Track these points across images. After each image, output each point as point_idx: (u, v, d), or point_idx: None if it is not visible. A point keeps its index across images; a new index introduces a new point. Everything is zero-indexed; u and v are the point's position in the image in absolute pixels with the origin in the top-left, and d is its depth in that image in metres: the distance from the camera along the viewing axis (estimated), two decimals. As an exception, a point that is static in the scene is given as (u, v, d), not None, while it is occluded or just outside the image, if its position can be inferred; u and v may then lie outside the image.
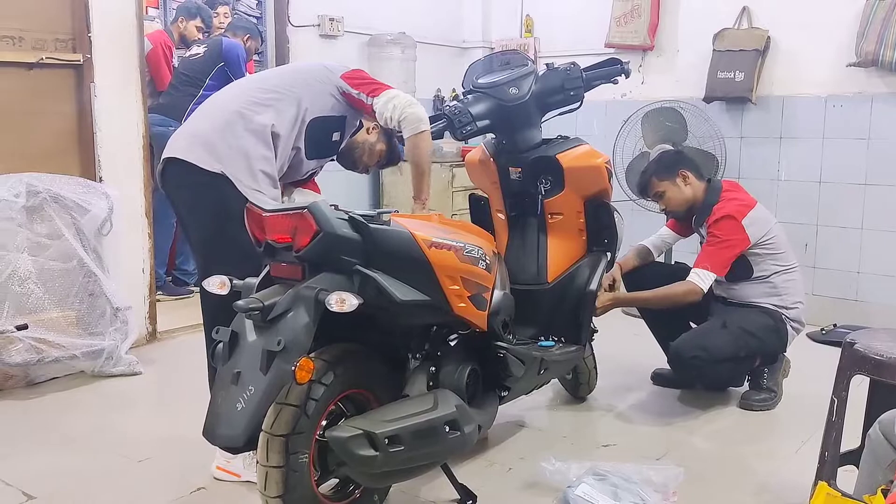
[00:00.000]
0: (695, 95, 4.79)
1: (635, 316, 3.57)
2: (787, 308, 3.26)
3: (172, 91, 4.77)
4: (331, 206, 2.10)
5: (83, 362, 3.33)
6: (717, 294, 3.35)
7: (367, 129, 2.98)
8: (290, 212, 1.95)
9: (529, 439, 2.99)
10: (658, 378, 3.53)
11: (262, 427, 1.98)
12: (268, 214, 1.97)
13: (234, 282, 2.07)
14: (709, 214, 3.24)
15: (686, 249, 3.66)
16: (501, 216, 3.14)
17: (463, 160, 4.86)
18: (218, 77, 4.68)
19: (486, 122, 2.88)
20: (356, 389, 2.18)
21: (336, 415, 2.16)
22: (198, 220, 2.58)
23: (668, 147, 4.38)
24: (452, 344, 2.40)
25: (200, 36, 5.07)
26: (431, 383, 2.31)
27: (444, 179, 4.91)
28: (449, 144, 5.04)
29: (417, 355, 2.31)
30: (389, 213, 2.21)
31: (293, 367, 1.85)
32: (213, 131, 2.54)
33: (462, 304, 2.20)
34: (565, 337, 3.01)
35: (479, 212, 3.24)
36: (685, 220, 3.42)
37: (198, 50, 4.84)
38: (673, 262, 3.61)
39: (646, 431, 3.09)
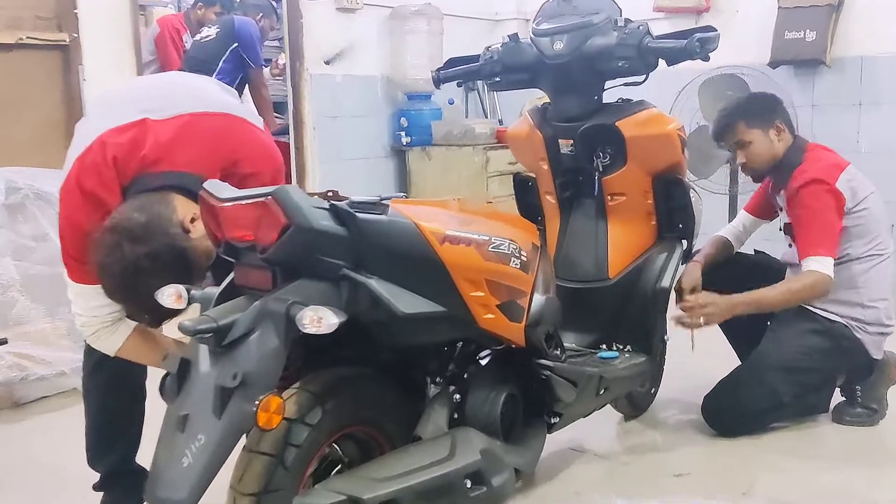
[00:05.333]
0: (759, 60, 4.18)
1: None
2: (863, 306, 2.59)
3: None
4: (316, 193, 1.63)
5: (74, 379, 2.92)
6: None
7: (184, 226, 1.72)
8: (251, 200, 1.47)
9: (586, 468, 2.46)
10: None
11: (230, 482, 1.53)
12: (222, 205, 1.50)
13: (192, 292, 1.61)
14: (788, 179, 2.61)
15: (760, 236, 3.04)
16: (551, 199, 2.61)
17: (498, 142, 4.37)
18: (232, 59, 4.32)
19: (523, 76, 2.44)
20: (358, 426, 1.71)
21: (330, 461, 1.69)
22: None
23: None
24: (484, 362, 1.90)
25: None
26: (456, 415, 1.81)
27: (478, 163, 4.37)
28: (481, 125, 4.52)
29: (438, 379, 1.82)
30: (391, 198, 1.73)
31: (254, 408, 1.39)
32: None
33: (489, 316, 1.69)
34: (632, 345, 2.48)
35: (526, 195, 2.73)
36: (759, 179, 2.79)
37: (209, 32, 4.49)
38: (753, 252, 3.00)
39: (726, 455, 2.53)
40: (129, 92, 1.99)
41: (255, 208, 1.46)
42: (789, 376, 2.59)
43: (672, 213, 2.51)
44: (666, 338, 2.77)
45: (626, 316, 2.47)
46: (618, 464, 2.50)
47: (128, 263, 1.63)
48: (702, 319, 2.47)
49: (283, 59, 4.65)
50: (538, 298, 1.82)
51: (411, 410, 1.78)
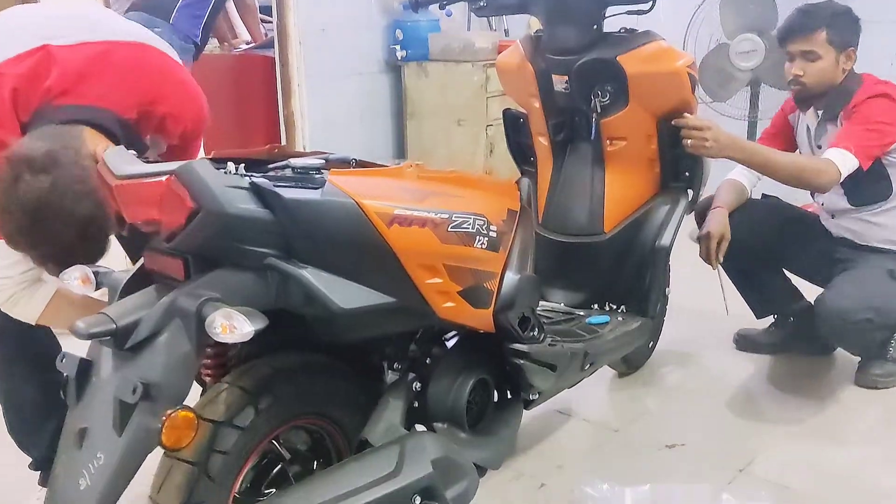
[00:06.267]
0: (788, -31, 3.75)
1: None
2: None
3: None
4: (253, 152, 1.38)
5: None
6: (837, 234, 2.49)
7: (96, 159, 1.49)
8: (151, 178, 1.22)
9: (572, 436, 2.27)
10: (743, 342, 2.72)
11: (150, 492, 1.35)
12: (118, 182, 1.25)
13: (101, 275, 1.38)
14: (847, 102, 2.34)
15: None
16: (544, 141, 2.34)
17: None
18: None
19: (511, 0, 2.22)
20: (303, 420, 1.51)
21: (272, 458, 1.50)
22: None
23: (753, 37, 3.41)
24: (451, 343, 1.68)
25: None
26: (416, 404, 1.61)
27: (476, 83, 4.01)
28: (483, 38, 4.14)
29: (396, 364, 1.60)
30: (345, 161, 1.48)
31: (159, 426, 1.19)
32: None
33: (449, 304, 1.46)
34: (626, 305, 2.25)
35: (518, 133, 2.46)
36: (801, 100, 2.45)
37: None
38: (762, 196, 2.72)
39: (724, 425, 2.33)
40: (26, 18, 1.70)
41: (157, 188, 1.21)
42: None
43: (678, 160, 2.24)
44: (667, 291, 2.56)
45: (622, 274, 2.24)
46: (606, 430, 2.32)
47: (29, 197, 1.36)
48: (689, 142, 2.12)
49: None
50: (511, 278, 1.57)
51: (367, 397, 1.58)
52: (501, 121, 2.50)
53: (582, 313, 2.21)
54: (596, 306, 2.27)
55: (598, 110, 2.17)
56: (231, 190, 1.22)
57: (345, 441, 1.57)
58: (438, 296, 1.43)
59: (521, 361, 1.66)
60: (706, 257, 2.38)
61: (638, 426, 2.34)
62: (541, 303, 2.29)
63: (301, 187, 1.30)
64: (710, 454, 2.18)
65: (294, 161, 1.47)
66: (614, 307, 2.26)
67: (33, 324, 1.67)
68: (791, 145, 2.55)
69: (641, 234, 2.23)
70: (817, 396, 2.45)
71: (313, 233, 1.29)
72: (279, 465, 1.50)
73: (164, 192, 1.20)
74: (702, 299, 2.66)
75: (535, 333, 1.71)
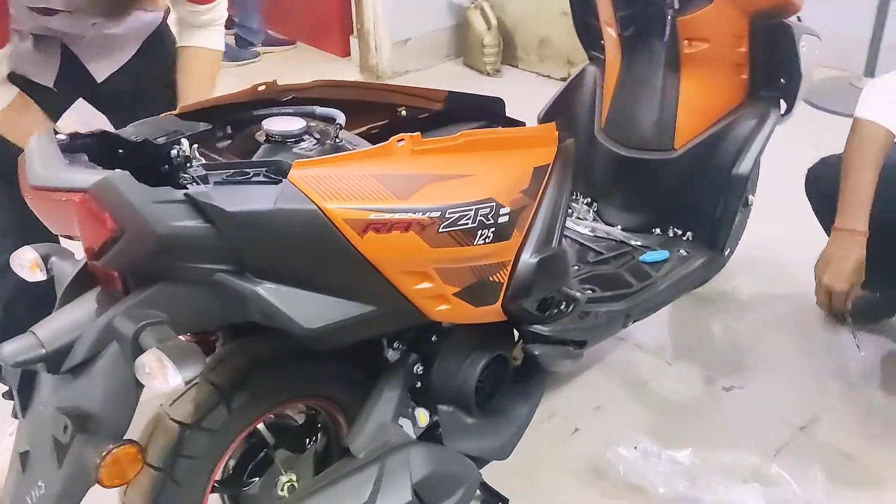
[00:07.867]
0: None
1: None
2: None
3: None
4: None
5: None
6: None
7: None
8: (63, 194, 1.01)
9: (616, 366, 2.08)
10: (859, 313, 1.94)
11: (119, 493, 1.27)
12: (32, 192, 1.05)
13: (52, 259, 1.22)
14: None
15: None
16: (612, 32, 1.97)
17: None
18: None
19: None
20: (290, 402, 1.38)
21: (255, 444, 1.39)
22: None
23: None
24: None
25: None
26: (419, 384, 1.44)
27: None
28: None
29: (396, 344, 1.42)
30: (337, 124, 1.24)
31: (98, 462, 1.07)
32: None
33: (443, 307, 1.23)
34: (694, 231, 1.97)
35: (586, 11, 2.08)
36: None
37: None
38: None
39: (794, 362, 2.06)
40: None
41: (70, 206, 1.01)
42: None
43: (772, 65, 1.84)
44: (751, 200, 2.20)
45: (690, 199, 1.94)
46: (658, 362, 2.11)
47: None
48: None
49: None
50: (527, 263, 1.31)
51: (363, 371, 1.42)
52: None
53: (638, 243, 1.94)
54: (658, 230, 2.00)
55: (676, 6, 1.78)
56: (159, 206, 1.00)
57: (342, 413, 1.44)
58: (430, 300, 1.21)
59: (538, 351, 1.44)
60: (828, 311, 1.85)
61: (695, 361, 2.10)
62: (594, 225, 2.04)
63: (256, 181, 1.07)
64: (770, 404, 1.96)
65: (270, 125, 1.23)
66: (679, 233, 1.98)
67: None
68: None
69: (718, 154, 1.89)
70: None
71: (267, 247, 1.07)
72: (264, 452, 1.39)
73: (80, 211, 1.00)
74: (794, 194, 2.20)
75: (563, 308, 1.47)
